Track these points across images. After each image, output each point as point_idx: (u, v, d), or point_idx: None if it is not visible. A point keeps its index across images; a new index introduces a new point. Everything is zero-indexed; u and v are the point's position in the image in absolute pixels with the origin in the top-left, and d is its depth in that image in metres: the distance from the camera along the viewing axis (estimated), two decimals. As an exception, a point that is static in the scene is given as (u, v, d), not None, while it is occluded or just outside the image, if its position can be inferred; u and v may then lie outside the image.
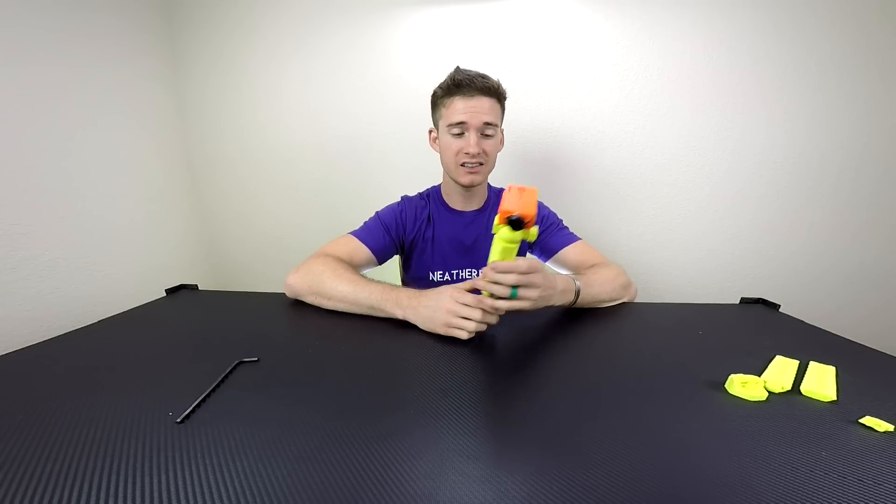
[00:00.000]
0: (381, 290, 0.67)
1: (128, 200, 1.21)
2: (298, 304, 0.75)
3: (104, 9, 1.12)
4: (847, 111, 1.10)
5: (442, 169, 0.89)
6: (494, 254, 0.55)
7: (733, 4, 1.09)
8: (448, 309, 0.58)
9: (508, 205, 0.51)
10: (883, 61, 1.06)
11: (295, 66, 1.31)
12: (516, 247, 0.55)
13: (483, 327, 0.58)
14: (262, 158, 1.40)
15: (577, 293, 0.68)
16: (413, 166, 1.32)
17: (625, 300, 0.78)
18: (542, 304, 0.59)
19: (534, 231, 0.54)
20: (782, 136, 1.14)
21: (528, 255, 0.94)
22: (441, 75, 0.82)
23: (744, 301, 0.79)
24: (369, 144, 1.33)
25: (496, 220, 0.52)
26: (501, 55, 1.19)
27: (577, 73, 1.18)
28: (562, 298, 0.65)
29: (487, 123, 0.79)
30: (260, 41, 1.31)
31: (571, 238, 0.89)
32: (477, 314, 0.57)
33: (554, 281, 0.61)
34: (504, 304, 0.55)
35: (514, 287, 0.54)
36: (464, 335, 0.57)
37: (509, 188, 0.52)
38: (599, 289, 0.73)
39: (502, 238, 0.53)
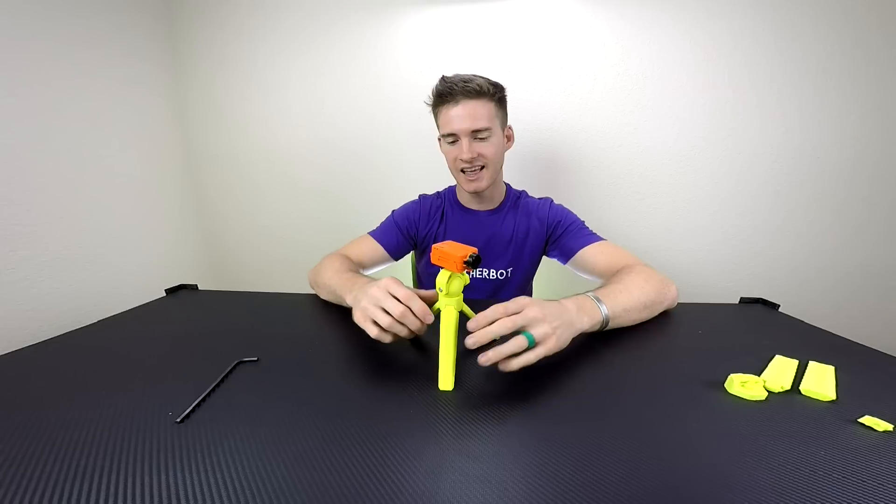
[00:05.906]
0: (348, 278, 0.68)
1: (128, 201, 1.21)
2: (298, 304, 0.76)
3: (106, 14, 1.14)
4: (845, 111, 1.10)
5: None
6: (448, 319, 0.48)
7: (732, 6, 1.09)
8: (372, 295, 0.51)
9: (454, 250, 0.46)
10: (881, 62, 1.06)
11: (296, 67, 1.31)
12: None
13: (403, 331, 0.50)
14: (263, 158, 1.41)
15: (598, 301, 0.56)
16: (415, 165, 1.32)
17: (665, 306, 0.67)
18: (567, 334, 0.48)
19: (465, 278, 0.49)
20: (781, 136, 1.14)
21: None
22: (442, 73, 0.82)
23: (743, 301, 0.79)
24: (370, 144, 1.33)
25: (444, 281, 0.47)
26: (502, 55, 1.19)
27: (577, 74, 1.19)
28: (583, 319, 0.53)
29: (476, 130, 0.76)
30: (261, 41, 1.31)
31: (593, 238, 0.82)
32: (396, 308, 0.48)
33: (559, 304, 0.50)
34: (530, 357, 0.44)
35: (525, 333, 0.44)
36: (372, 330, 0.50)
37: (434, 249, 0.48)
38: (627, 297, 0.60)
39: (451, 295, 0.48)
